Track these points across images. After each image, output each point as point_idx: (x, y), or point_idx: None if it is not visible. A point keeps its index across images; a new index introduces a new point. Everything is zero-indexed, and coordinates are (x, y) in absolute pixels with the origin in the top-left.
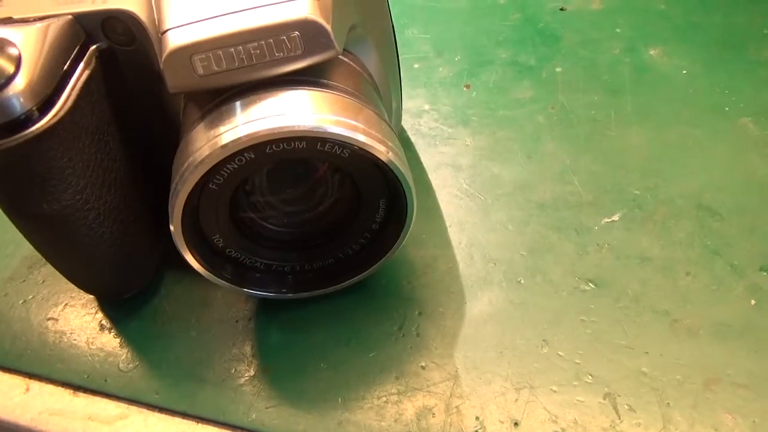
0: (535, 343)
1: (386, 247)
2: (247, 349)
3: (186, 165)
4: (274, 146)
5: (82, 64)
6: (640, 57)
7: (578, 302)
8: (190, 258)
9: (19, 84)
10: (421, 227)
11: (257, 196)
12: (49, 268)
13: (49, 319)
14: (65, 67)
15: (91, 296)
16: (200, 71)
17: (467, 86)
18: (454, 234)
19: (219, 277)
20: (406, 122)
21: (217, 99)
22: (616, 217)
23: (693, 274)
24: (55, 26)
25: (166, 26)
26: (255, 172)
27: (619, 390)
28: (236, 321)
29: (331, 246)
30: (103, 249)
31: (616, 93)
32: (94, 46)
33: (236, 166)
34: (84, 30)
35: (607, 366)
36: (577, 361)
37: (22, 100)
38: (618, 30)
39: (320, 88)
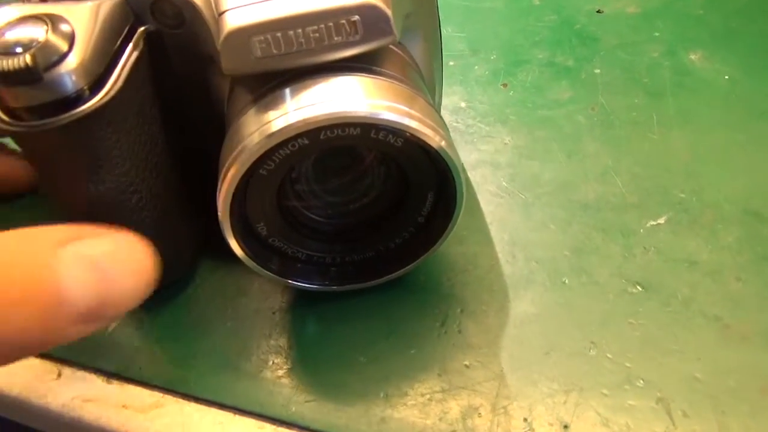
0: (583, 345)
1: (430, 242)
2: (284, 341)
3: (238, 150)
4: (328, 132)
5: (130, 46)
6: (680, 61)
7: (626, 304)
8: (234, 245)
9: (72, 62)
10: (462, 224)
11: (302, 184)
12: None
13: None
14: (115, 47)
15: None
16: (258, 53)
17: (504, 85)
18: (495, 232)
19: (263, 267)
20: (444, 119)
21: (269, 84)
22: (661, 220)
23: (743, 279)
24: (106, 5)
25: (224, 7)
26: (306, 158)
27: (672, 395)
28: (273, 312)
29: (373, 238)
30: (144, 234)
31: (656, 96)
32: (142, 28)
33: (288, 152)
34: (133, 11)
35: (658, 370)
36: (627, 364)
37: (74, 78)
38: (656, 34)
39: (373, 75)
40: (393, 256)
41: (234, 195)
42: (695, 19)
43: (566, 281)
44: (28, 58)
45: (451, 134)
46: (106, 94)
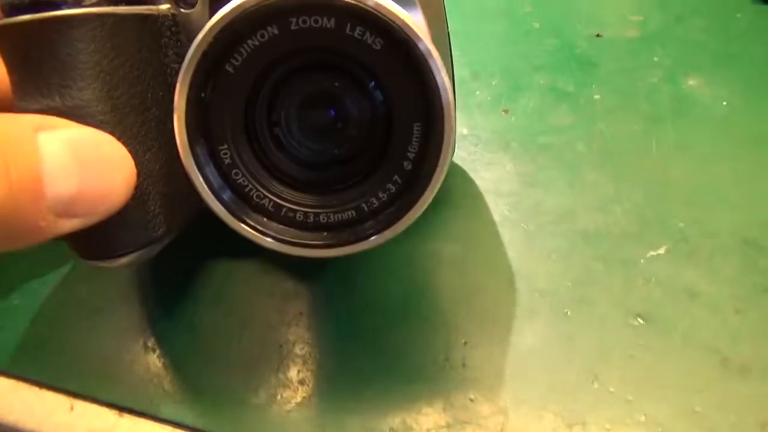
0: (586, 378)
1: (416, 198)
2: (293, 374)
3: (202, 32)
4: (300, 21)
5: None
6: (678, 86)
7: (627, 337)
8: (187, 161)
9: None
10: (464, 254)
11: (278, 113)
12: (93, 285)
13: (92, 336)
14: None
15: (135, 314)
16: None
17: (506, 111)
18: (497, 262)
19: (218, 200)
20: None
21: None
22: (661, 250)
23: (742, 311)
24: None
25: None
26: (280, 59)
27: (673, 429)
28: (280, 345)
29: (355, 192)
30: None
31: (656, 122)
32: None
33: (257, 43)
34: None
35: (659, 404)
36: (629, 397)
37: None
38: (655, 58)
39: None
40: (376, 217)
41: (193, 95)
42: (694, 44)
43: (568, 313)
44: None
45: (454, 161)
46: (90, 6)
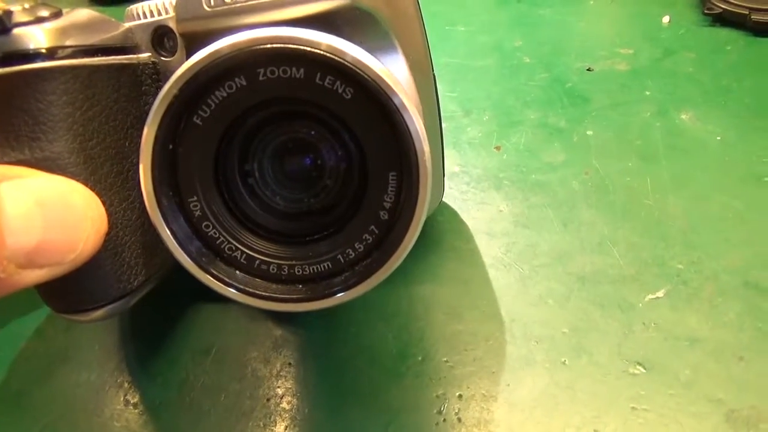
0: None
1: (394, 248)
2: (280, 430)
3: (169, 82)
4: (267, 72)
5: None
6: (671, 121)
7: (628, 387)
8: (153, 213)
9: (47, 25)
10: (458, 299)
11: (251, 162)
12: (71, 335)
13: (70, 390)
14: (96, 47)
15: (116, 366)
16: (210, 3)
17: (497, 148)
18: (492, 307)
19: (184, 251)
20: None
21: None
22: (660, 294)
23: (746, 359)
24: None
25: None
26: (250, 109)
27: None
28: (267, 399)
29: (331, 243)
30: None
31: (650, 159)
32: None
33: (225, 94)
34: (133, 41)
35: None
36: None
37: (40, 37)
38: (647, 93)
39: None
40: (352, 268)
41: (162, 146)
42: (685, 78)
43: (566, 362)
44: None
45: (446, 201)
46: (63, 59)
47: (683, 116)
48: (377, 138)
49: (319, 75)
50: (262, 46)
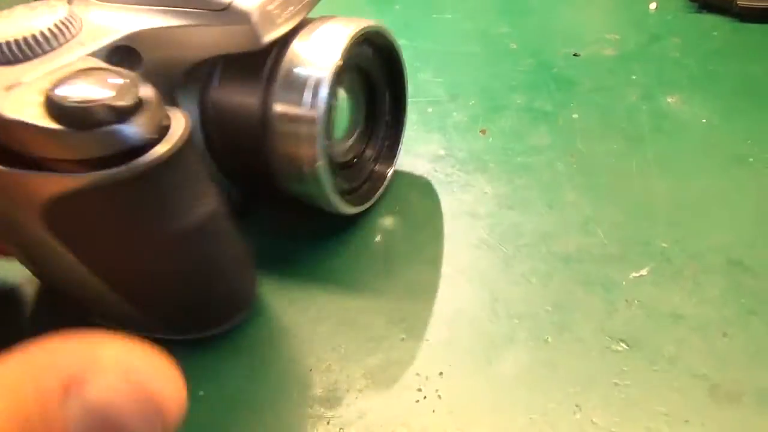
0: (567, 408)
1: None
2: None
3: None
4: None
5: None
6: (657, 104)
7: (610, 363)
8: None
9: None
10: (442, 278)
11: None
12: None
13: None
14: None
15: None
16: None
17: (483, 131)
18: (475, 287)
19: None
20: (423, 167)
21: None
22: (644, 272)
23: (730, 334)
24: None
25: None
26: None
27: None
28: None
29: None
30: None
31: (635, 141)
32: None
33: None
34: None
35: None
36: (613, 429)
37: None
38: (633, 77)
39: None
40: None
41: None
42: (672, 62)
43: (549, 339)
44: (132, 97)
45: (431, 183)
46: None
47: (669, 99)
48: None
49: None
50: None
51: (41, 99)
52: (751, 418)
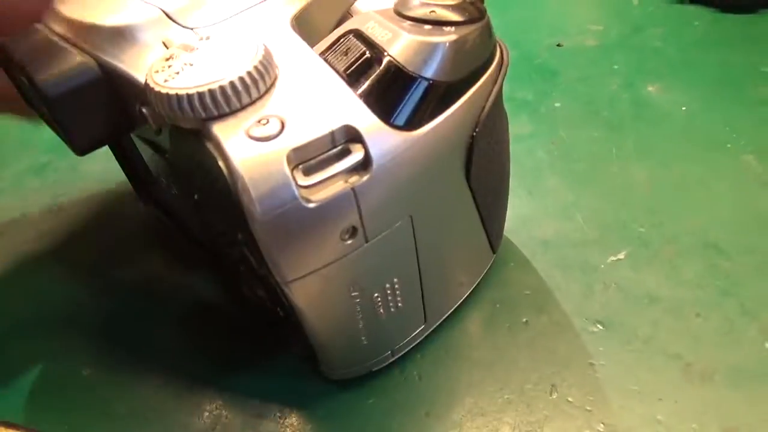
0: (543, 388)
1: None
2: None
3: None
4: None
5: None
6: (638, 93)
7: (586, 344)
8: None
9: None
10: None
11: None
12: None
13: None
14: None
15: None
16: None
17: None
18: None
19: None
20: None
21: None
22: (621, 255)
23: (704, 315)
24: None
25: None
26: None
27: None
28: None
29: None
30: None
31: (616, 129)
32: None
33: None
34: None
35: (619, 413)
36: (588, 407)
37: None
38: (615, 66)
39: None
40: None
41: None
42: (653, 51)
43: (527, 321)
44: None
45: None
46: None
47: (650, 88)
48: None
49: None
50: None
51: None
52: (723, 395)
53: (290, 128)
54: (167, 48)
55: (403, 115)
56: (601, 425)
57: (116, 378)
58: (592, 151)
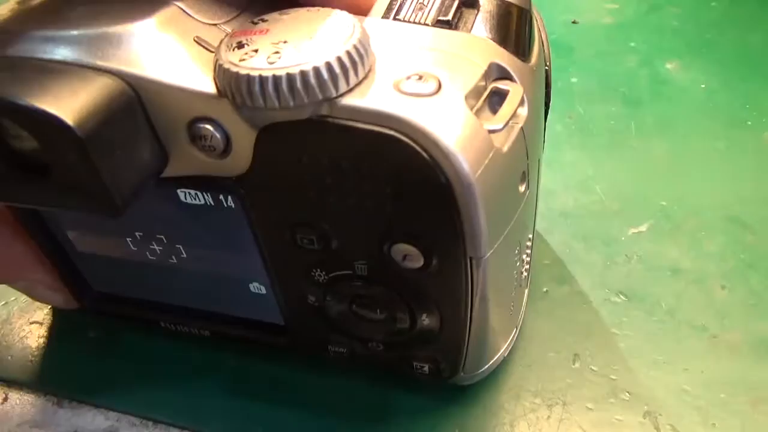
0: (566, 357)
1: None
2: None
3: None
4: None
5: None
6: (656, 70)
7: (609, 315)
8: None
9: None
10: None
11: None
12: None
13: (32, 323)
14: None
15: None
16: None
17: None
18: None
19: None
20: None
21: None
22: (643, 228)
23: (729, 287)
24: None
25: None
26: None
27: (659, 409)
28: None
29: None
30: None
31: (634, 104)
32: None
33: None
34: None
35: (644, 382)
36: (612, 376)
37: None
38: (632, 44)
39: None
40: None
41: None
42: (671, 31)
43: (548, 291)
44: None
45: None
46: None
47: (668, 66)
48: None
49: None
50: None
51: None
52: (751, 366)
53: (444, 78)
54: (202, 45)
55: (521, 46)
56: (626, 394)
57: None
58: (610, 125)
